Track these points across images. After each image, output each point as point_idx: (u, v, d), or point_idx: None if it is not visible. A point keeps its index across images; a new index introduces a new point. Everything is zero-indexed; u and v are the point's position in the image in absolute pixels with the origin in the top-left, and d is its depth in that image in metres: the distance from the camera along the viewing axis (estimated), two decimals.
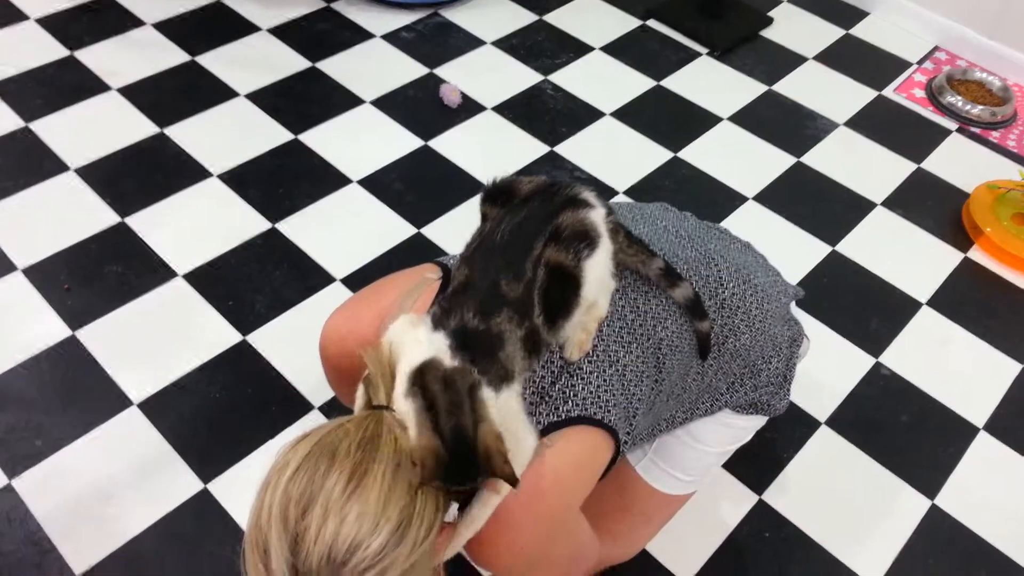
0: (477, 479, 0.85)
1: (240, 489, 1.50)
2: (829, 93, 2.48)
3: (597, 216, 1.01)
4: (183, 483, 1.50)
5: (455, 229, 1.99)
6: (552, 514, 0.97)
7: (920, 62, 2.63)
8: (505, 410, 0.90)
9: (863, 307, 1.92)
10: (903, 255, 2.04)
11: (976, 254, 2.06)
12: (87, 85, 2.25)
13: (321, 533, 0.76)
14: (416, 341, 0.90)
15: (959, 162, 2.30)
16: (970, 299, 1.96)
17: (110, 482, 1.50)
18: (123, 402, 1.60)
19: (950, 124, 2.42)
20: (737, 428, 1.30)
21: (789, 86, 2.50)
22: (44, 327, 1.71)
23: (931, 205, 2.17)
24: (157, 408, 1.60)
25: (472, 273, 0.94)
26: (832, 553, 1.50)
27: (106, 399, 1.61)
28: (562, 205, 1.00)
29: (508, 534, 0.94)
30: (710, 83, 2.48)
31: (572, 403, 0.99)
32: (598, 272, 1.00)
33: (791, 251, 2.02)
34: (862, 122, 2.39)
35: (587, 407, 0.99)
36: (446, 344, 0.88)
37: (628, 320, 1.07)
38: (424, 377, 0.86)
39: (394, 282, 1.16)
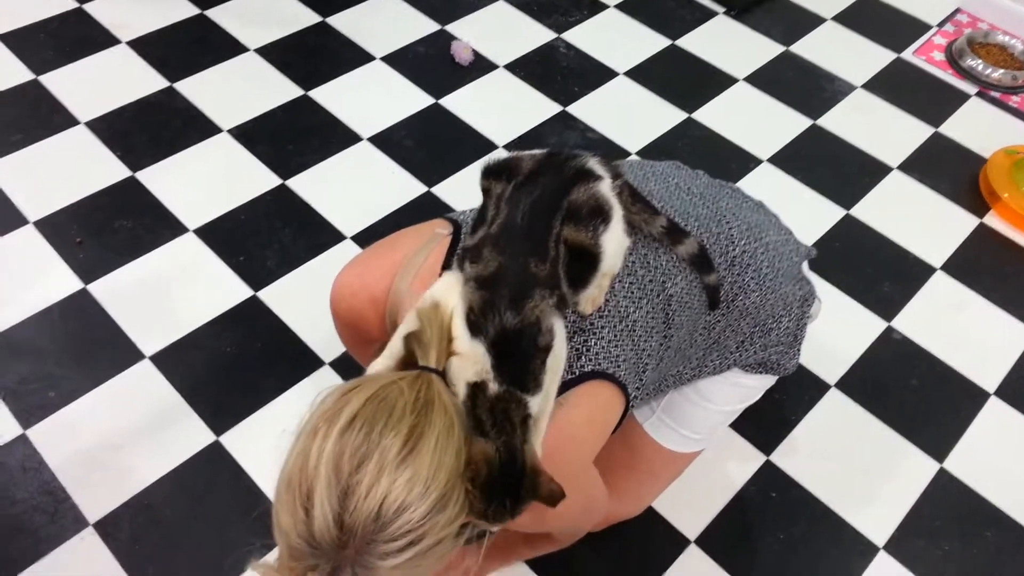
0: (519, 501, 0.86)
1: (251, 441, 1.52)
2: (847, 55, 2.44)
3: (605, 187, 1.01)
4: (195, 435, 1.52)
5: (465, 188, 1.97)
6: (566, 468, 0.97)
7: (941, 24, 2.58)
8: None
9: (876, 271, 1.91)
10: (918, 219, 2.02)
11: (992, 220, 2.04)
12: (96, 38, 2.23)
13: (373, 491, 0.75)
14: (464, 354, 0.89)
15: (977, 127, 2.26)
16: (985, 265, 1.94)
17: (123, 433, 1.51)
18: (135, 355, 1.61)
19: (969, 88, 2.38)
20: (746, 387, 1.30)
21: (806, 47, 2.45)
22: (56, 280, 1.71)
23: (948, 170, 2.14)
24: (169, 361, 1.61)
25: (502, 260, 0.94)
26: (839, 514, 1.51)
27: (118, 352, 1.62)
28: (572, 179, 1.00)
29: None
30: (726, 43, 2.44)
31: (585, 359, 1.00)
32: (615, 244, 1.01)
33: (805, 214, 2.00)
34: (880, 85, 2.35)
35: (600, 362, 1.00)
36: (489, 365, 0.88)
37: (639, 276, 1.07)
38: (474, 400, 0.86)
39: (405, 238, 1.15)
